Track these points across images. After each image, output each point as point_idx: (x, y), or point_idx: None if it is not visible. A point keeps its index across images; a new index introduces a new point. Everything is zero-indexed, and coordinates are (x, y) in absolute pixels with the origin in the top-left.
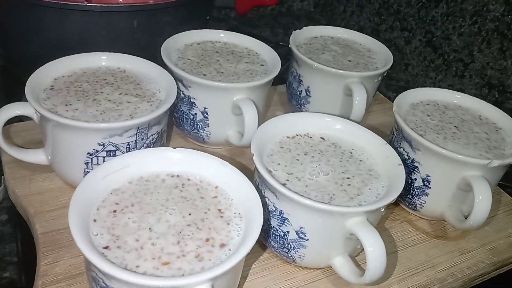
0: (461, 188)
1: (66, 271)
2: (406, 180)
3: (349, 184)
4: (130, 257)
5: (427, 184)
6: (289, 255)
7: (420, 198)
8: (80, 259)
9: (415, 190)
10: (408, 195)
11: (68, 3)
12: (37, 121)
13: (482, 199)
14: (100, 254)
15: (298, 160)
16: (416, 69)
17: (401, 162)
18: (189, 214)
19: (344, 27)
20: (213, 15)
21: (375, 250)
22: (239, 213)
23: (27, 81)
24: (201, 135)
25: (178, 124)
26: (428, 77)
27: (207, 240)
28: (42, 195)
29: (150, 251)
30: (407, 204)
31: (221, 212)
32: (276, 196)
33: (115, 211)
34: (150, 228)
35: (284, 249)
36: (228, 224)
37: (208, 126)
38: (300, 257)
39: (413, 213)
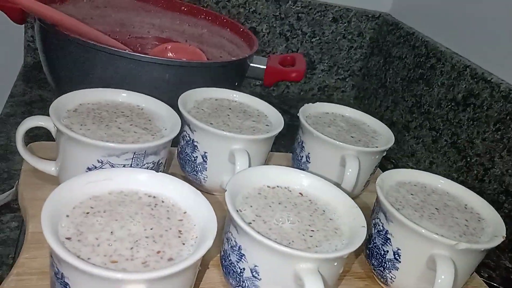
0: (430, 268)
1: (41, 267)
2: (379, 251)
3: (311, 236)
4: (85, 250)
5: (398, 257)
6: None
7: (391, 271)
8: None
9: (387, 262)
10: (380, 267)
11: (113, 48)
12: (55, 136)
13: (444, 279)
14: (58, 240)
15: (270, 207)
16: (439, 168)
17: (365, 225)
18: (151, 229)
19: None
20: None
21: None
22: (197, 237)
23: (54, 101)
24: (199, 178)
25: (181, 166)
26: (450, 177)
27: (158, 252)
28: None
29: (104, 249)
30: (380, 277)
31: (180, 233)
32: (237, 230)
33: (88, 212)
34: (111, 232)
35: (239, 287)
36: (183, 244)
37: (206, 170)
38: None
39: None
